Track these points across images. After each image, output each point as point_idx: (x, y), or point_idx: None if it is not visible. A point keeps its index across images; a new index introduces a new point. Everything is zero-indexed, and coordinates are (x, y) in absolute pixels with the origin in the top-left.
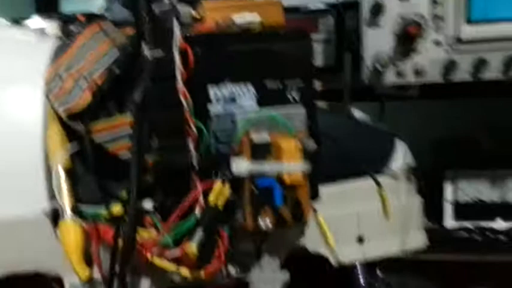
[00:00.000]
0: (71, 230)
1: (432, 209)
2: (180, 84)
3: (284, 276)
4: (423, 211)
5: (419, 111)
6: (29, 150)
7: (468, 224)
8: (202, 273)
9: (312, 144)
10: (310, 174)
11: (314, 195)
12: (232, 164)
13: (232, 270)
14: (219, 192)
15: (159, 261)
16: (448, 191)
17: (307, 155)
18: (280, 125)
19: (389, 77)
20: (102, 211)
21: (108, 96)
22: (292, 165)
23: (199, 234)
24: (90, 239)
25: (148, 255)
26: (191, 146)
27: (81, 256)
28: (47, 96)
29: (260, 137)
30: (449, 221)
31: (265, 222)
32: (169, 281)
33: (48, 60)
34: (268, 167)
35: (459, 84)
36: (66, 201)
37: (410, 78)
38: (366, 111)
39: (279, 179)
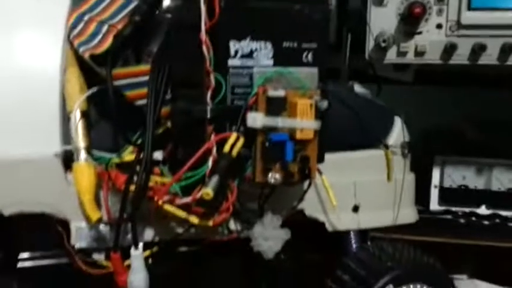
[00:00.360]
0: (85, 171)
1: (419, 192)
2: (203, 35)
3: (285, 234)
4: None
5: (413, 96)
6: (46, 93)
7: (452, 209)
8: (210, 222)
9: (324, 104)
10: (320, 136)
11: (320, 158)
12: (247, 117)
13: (236, 225)
14: (234, 143)
15: (169, 208)
16: (436, 176)
17: (319, 114)
18: (295, 82)
19: (391, 55)
20: (115, 157)
21: (128, 43)
22: (305, 122)
23: (215, 179)
24: (102, 183)
25: (160, 201)
26: (208, 97)
27: (94, 198)
28: (69, 39)
29: (276, 91)
30: (435, 205)
31: (274, 176)
32: (173, 233)
33: (70, 4)
34: (282, 122)
35: (454, 72)
36: (82, 143)
37: (411, 58)
38: None
39: (291, 135)
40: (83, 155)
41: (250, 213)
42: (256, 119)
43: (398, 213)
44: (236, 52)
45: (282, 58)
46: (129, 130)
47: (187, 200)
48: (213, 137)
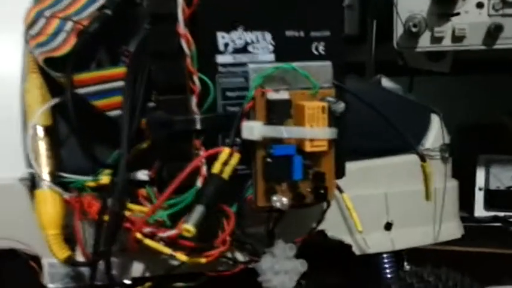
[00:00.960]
0: (48, 200)
1: (461, 196)
2: (181, 26)
3: (301, 266)
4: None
5: (451, 89)
6: (5, 107)
7: (500, 214)
8: (202, 259)
9: (341, 106)
10: (337, 145)
11: (340, 173)
12: (242, 127)
13: (240, 256)
14: (226, 160)
15: (151, 243)
16: (480, 178)
17: (334, 119)
18: (302, 81)
19: (424, 42)
20: (89, 181)
21: (99, 43)
22: (315, 131)
23: (199, 210)
24: (73, 212)
25: (139, 234)
26: (193, 103)
27: (60, 232)
28: (26, 41)
29: (277, 93)
30: (480, 211)
31: (280, 200)
32: (168, 267)
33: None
34: (286, 131)
35: (498, 59)
36: (43, 166)
37: (448, 44)
38: None
39: (299, 147)
40: (45, 180)
41: (256, 241)
42: (253, 129)
43: (440, 228)
44: (226, 46)
45: (285, 51)
46: (105, 149)
47: (171, 233)
48: (201, 153)
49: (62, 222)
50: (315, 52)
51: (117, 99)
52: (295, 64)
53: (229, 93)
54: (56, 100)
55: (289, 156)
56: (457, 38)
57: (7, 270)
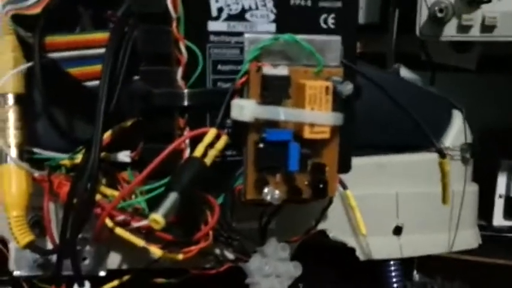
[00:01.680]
0: (13, 177)
1: (481, 204)
2: None
3: (294, 270)
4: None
5: (476, 87)
6: None
7: None
8: (180, 255)
9: (348, 88)
10: (343, 134)
11: (344, 167)
12: (232, 105)
13: (227, 254)
14: (212, 143)
15: (122, 233)
16: (501, 184)
17: (340, 103)
18: (306, 56)
19: (450, 31)
20: (65, 159)
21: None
22: (316, 114)
23: (171, 198)
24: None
25: (109, 222)
26: (178, 75)
27: (23, 214)
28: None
29: (275, 68)
30: (500, 220)
31: (272, 192)
32: (146, 261)
33: None
34: (283, 112)
35: None
36: (11, 138)
37: (476, 34)
38: None
39: (297, 133)
40: (12, 155)
41: (246, 238)
42: (243, 109)
43: (455, 237)
44: (220, 11)
45: (289, 22)
46: (84, 122)
47: (144, 223)
48: (185, 133)
49: (27, 203)
50: (323, 25)
51: (98, 68)
52: (298, 37)
53: (221, 67)
54: (27, 64)
55: (285, 142)
56: (486, 28)
57: None
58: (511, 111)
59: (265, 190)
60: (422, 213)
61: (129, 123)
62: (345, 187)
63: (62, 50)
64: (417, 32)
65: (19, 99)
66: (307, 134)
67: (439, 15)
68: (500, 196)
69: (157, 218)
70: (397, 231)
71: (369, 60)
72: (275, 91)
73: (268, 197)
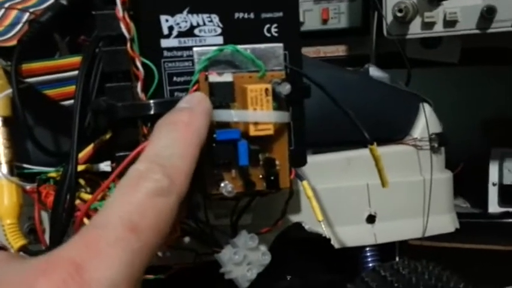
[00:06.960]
0: (6, 190)
1: (475, 192)
2: (119, 10)
3: (263, 257)
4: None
5: (463, 80)
6: None
7: None
8: None
9: (286, 88)
10: (292, 130)
11: (299, 161)
12: None
13: (200, 247)
14: None
15: None
16: (493, 173)
17: (281, 102)
18: (250, 64)
19: (415, 29)
20: (52, 172)
21: (62, 33)
22: (259, 114)
23: None
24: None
25: (87, 221)
26: (138, 89)
27: (16, 222)
28: None
29: (220, 76)
30: (494, 207)
31: (226, 186)
32: None
33: None
34: (227, 114)
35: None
36: (1, 157)
37: (439, 29)
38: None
39: (245, 131)
40: (3, 170)
41: (219, 232)
42: None
43: (429, 221)
44: (171, 30)
45: (234, 34)
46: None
47: None
48: (146, 138)
49: (19, 212)
50: (267, 34)
51: (73, 88)
52: (241, 46)
53: (176, 78)
54: (9, 90)
55: (234, 140)
56: (449, 23)
57: None
58: (498, 100)
59: (222, 185)
60: (394, 202)
61: (107, 136)
62: (301, 179)
63: (39, 75)
64: (385, 32)
65: (6, 122)
66: (252, 131)
67: (399, 14)
68: (493, 184)
69: None
70: (371, 219)
71: (354, 63)
72: (220, 96)
73: (224, 191)
